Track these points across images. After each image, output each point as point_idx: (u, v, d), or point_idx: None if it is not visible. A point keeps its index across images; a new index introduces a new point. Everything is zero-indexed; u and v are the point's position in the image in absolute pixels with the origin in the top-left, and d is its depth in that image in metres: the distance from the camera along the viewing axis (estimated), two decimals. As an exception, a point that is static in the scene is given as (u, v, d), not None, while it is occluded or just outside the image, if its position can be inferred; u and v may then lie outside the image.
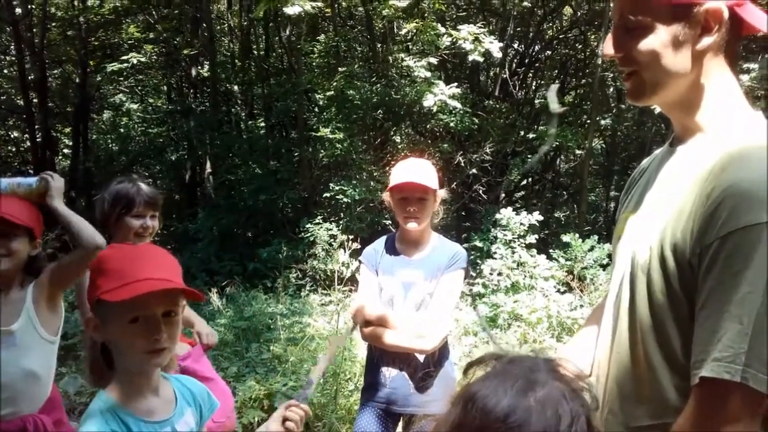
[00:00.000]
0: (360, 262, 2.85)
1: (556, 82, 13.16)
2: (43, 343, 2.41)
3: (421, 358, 2.63)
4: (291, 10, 8.61)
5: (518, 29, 12.02)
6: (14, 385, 2.33)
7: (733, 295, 1.13)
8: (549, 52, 13.00)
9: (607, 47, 1.37)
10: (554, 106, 3.25)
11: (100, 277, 1.46)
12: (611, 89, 13.45)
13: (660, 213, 1.31)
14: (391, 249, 2.78)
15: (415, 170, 2.66)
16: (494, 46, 8.70)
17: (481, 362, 1.08)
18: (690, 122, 1.36)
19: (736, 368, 1.11)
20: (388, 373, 2.69)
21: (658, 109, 8.32)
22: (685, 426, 1.18)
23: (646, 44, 1.30)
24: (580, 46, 12.79)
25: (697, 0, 1.26)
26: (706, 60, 1.32)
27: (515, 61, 12.38)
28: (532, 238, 7.65)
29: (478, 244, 8.08)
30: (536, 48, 12.74)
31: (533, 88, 13.05)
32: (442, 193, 2.73)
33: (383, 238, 2.88)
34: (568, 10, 12.97)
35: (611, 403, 1.40)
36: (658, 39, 1.29)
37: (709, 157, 1.25)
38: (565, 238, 7.91)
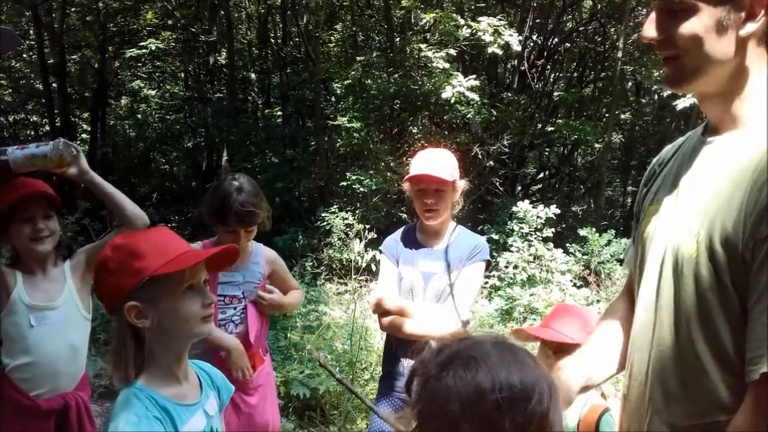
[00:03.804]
0: (380, 251, 2.84)
1: (575, 74, 13.06)
2: (82, 319, 2.46)
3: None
4: (309, -2, 8.60)
5: (537, 20, 11.90)
6: (58, 360, 2.36)
7: None
8: (568, 45, 12.86)
9: (648, 30, 1.33)
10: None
11: (139, 260, 1.45)
12: (630, 83, 13.32)
13: (702, 205, 1.28)
14: (411, 239, 2.77)
15: (432, 162, 2.64)
16: (514, 39, 8.63)
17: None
18: (727, 113, 1.33)
19: None
20: (407, 363, 2.67)
21: (679, 105, 8.30)
22: (745, 424, 1.16)
23: (689, 27, 1.27)
24: (599, 39, 12.65)
25: None
26: (749, 48, 1.28)
27: (534, 53, 12.28)
28: (548, 232, 7.61)
29: (495, 236, 8.05)
30: (555, 40, 12.60)
31: (551, 80, 12.94)
32: (462, 184, 2.70)
33: (404, 228, 2.87)
34: (587, 2, 12.85)
35: (655, 402, 1.36)
36: (702, 22, 1.26)
37: (753, 148, 1.23)
38: (582, 232, 7.87)
